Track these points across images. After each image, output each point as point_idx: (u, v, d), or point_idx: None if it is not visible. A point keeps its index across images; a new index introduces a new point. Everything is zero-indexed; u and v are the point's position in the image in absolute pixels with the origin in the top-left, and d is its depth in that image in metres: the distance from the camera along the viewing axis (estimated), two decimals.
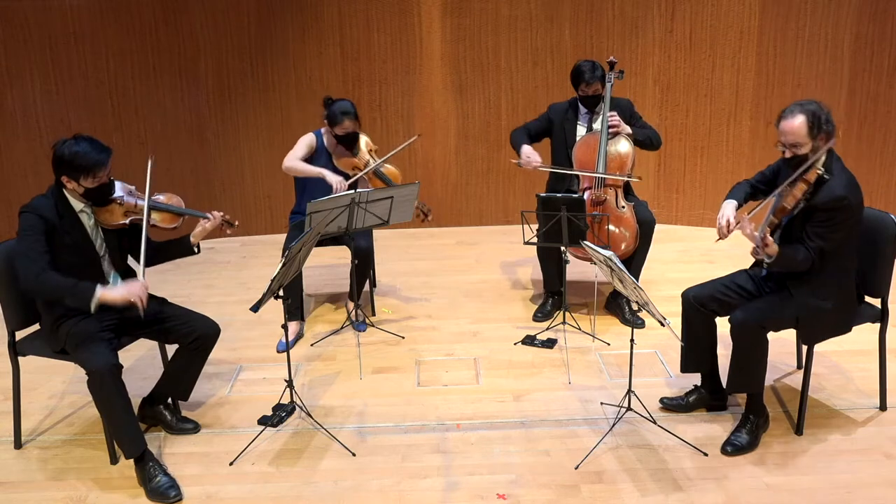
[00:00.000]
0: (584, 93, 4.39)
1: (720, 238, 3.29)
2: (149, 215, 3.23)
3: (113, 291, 3.07)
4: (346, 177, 4.32)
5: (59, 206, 3.12)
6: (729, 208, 3.35)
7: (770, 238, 3.08)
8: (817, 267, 3.16)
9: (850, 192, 3.10)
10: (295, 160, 4.36)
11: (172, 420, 3.51)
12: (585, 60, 4.42)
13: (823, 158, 3.16)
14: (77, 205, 3.17)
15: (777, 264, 3.15)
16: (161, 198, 3.38)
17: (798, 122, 3.11)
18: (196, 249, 3.42)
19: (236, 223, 3.49)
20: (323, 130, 4.45)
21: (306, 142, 4.43)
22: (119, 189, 3.25)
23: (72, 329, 3.14)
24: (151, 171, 3.27)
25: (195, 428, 3.52)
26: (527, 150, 4.40)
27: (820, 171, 3.12)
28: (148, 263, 3.30)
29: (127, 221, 3.25)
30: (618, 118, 4.33)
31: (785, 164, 3.25)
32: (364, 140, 4.46)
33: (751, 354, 3.22)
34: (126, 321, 3.29)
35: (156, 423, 3.53)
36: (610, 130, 4.31)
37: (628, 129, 4.35)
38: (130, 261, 3.42)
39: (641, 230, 4.30)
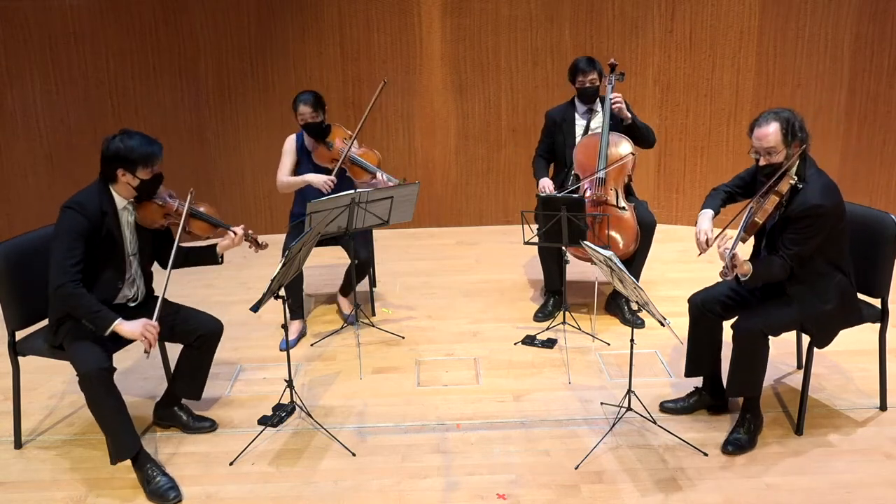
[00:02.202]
0: (581, 84, 4.40)
1: (701, 253, 3.28)
2: (186, 221, 3.27)
3: (128, 325, 3.08)
4: (328, 171, 4.34)
5: (103, 201, 3.15)
6: (705, 222, 3.33)
7: (740, 257, 3.04)
8: (814, 271, 3.16)
9: (825, 198, 3.07)
10: (284, 177, 4.42)
11: (188, 420, 3.51)
12: (581, 56, 4.47)
13: (796, 166, 3.14)
14: (121, 201, 3.21)
15: (753, 281, 3.14)
16: (201, 208, 3.39)
17: (772, 129, 3.09)
18: (220, 259, 3.46)
19: (264, 244, 3.50)
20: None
21: (288, 148, 4.47)
22: (162, 189, 3.29)
23: (71, 327, 3.14)
24: (191, 196, 3.30)
25: (212, 426, 3.52)
26: (542, 182, 4.45)
27: (793, 181, 3.11)
28: (173, 267, 3.35)
29: (165, 223, 3.30)
30: (620, 98, 4.32)
31: (759, 173, 3.24)
32: (337, 130, 4.44)
33: (752, 359, 3.22)
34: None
35: (172, 424, 3.53)
36: (613, 107, 4.30)
37: (627, 114, 4.35)
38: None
39: (642, 231, 4.30)
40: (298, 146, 4.45)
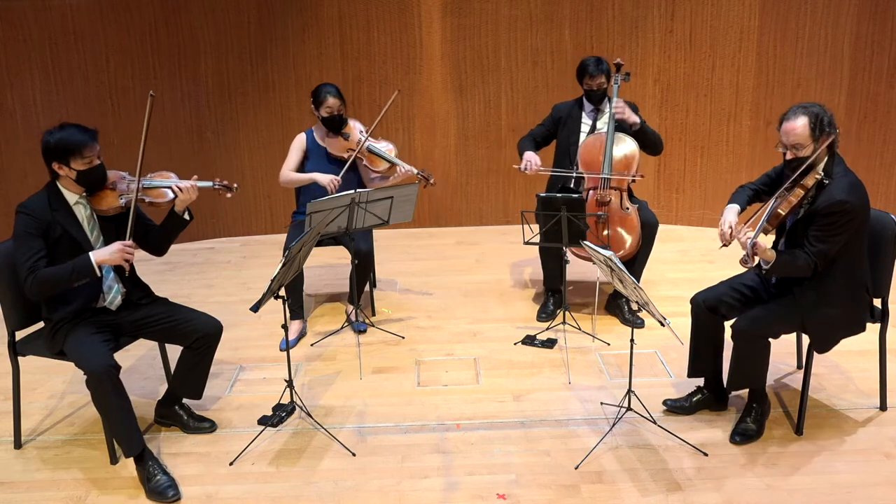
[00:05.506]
0: (588, 86, 4.38)
1: (724, 245, 3.22)
2: (140, 195, 3.21)
3: (103, 253, 3.09)
4: (344, 162, 4.34)
5: (52, 200, 3.13)
6: (731, 214, 3.29)
7: (763, 245, 3.04)
8: (823, 271, 3.13)
9: (851, 195, 3.05)
10: (287, 172, 4.43)
11: (188, 420, 3.52)
12: (591, 56, 4.43)
13: (824, 162, 3.14)
14: (72, 197, 3.17)
15: (775, 270, 3.13)
16: (153, 177, 3.31)
17: (801, 124, 3.08)
18: (187, 217, 3.35)
19: (235, 186, 3.42)
20: (314, 128, 4.47)
21: (297, 146, 4.48)
22: (112, 175, 3.25)
23: (70, 331, 3.14)
24: (150, 110, 3.14)
25: (211, 427, 3.52)
26: (528, 154, 4.42)
27: (819, 176, 3.09)
28: (156, 243, 3.38)
29: (122, 203, 3.21)
30: (623, 105, 4.27)
31: (786, 167, 3.22)
32: (353, 122, 4.49)
33: (752, 359, 3.22)
34: (124, 322, 3.31)
35: (172, 422, 3.53)
36: (616, 117, 4.26)
37: (636, 118, 4.29)
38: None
39: (644, 232, 4.29)
40: (310, 144, 4.46)
